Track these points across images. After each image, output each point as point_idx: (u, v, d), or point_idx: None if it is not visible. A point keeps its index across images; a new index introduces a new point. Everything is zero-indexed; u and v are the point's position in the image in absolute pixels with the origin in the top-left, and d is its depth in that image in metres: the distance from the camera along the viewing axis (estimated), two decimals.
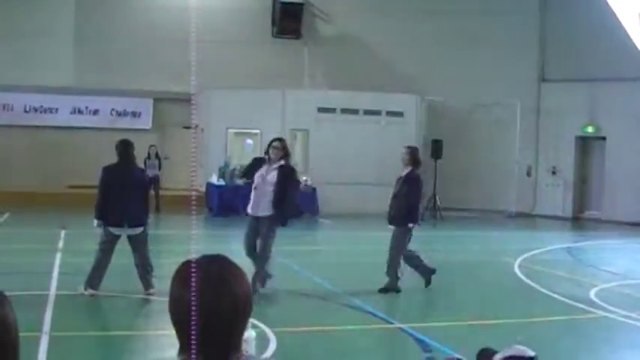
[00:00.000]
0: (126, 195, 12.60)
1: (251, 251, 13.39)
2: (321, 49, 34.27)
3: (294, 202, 14.25)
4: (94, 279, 12.51)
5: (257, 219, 13.45)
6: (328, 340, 11.13)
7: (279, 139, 14.46)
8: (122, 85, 32.49)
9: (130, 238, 12.77)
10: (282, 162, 13.76)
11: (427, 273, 14.31)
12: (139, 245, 12.79)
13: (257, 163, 14.24)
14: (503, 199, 31.66)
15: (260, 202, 13.41)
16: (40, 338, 9.75)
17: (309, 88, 33.36)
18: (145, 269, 12.67)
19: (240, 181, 16.56)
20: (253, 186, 13.68)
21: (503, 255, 19.69)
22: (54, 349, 9.52)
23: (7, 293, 2.81)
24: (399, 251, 13.84)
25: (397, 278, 13.68)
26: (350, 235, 24.51)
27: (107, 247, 12.66)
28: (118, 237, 12.72)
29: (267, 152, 14.07)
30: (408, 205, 13.90)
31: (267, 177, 13.50)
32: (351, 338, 11.30)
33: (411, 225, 13.85)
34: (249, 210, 13.65)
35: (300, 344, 10.83)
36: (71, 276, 14.02)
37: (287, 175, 13.71)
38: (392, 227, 14.04)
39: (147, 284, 12.59)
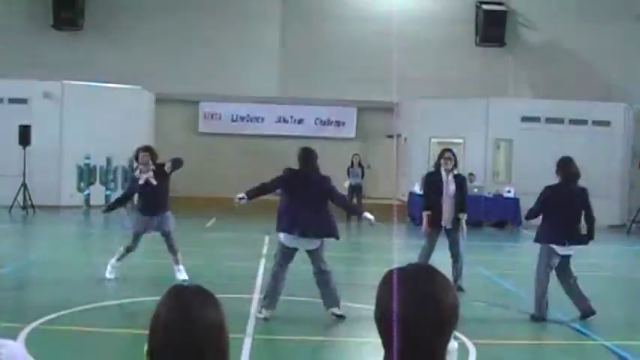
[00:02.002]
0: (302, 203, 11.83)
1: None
2: (525, 56, 33.79)
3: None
4: (269, 299, 11.75)
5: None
6: (528, 355, 10.94)
7: (450, 150, 14.99)
8: (326, 95, 32.98)
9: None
10: (456, 171, 14.52)
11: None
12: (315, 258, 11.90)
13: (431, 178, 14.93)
14: None
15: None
16: (243, 340, 9.99)
17: (513, 96, 32.91)
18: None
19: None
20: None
21: None
22: (257, 352, 9.73)
23: (215, 295, 2.89)
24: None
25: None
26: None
27: (282, 264, 11.90)
28: (293, 250, 11.88)
29: (438, 163, 14.63)
30: None
31: (450, 188, 14.27)
32: (551, 353, 11.06)
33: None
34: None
35: (500, 357, 10.67)
36: None
37: (463, 183, 14.66)
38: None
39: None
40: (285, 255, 11.80)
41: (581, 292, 12.27)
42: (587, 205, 12.26)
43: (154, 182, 14.22)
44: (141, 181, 14.24)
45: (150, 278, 14.86)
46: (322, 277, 11.73)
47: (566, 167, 12.58)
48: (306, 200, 11.75)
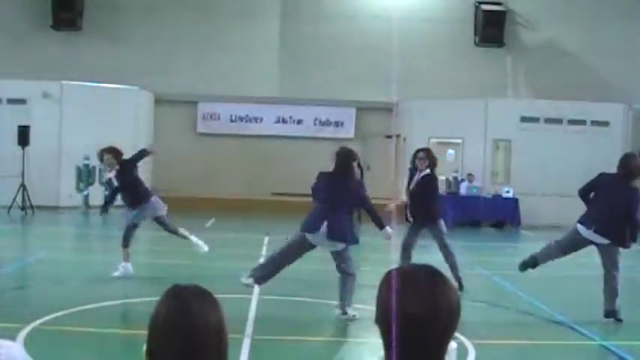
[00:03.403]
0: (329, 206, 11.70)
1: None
2: (525, 57, 33.82)
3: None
4: (260, 271, 11.92)
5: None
6: (527, 355, 10.93)
7: (424, 149, 15.12)
8: (325, 95, 33.00)
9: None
10: (428, 171, 14.50)
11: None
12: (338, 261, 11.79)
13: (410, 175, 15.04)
14: None
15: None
16: (242, 341, 9.99)
17: (512, 97, 32.94)
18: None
19: None
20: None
21: None
22: (255, 352, 9.73)
23: (214, 295, 2.90)
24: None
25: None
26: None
27: (293, 247, 11.84)
28: (309, 244, 11.79)
29: (413, 162, 14.81)
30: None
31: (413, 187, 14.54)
32: (550, 354, 11.05)
33: None
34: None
35: (499, 357, 10.68)
36: (273, 281, 14.31)
37: (426, 183, 14.51)
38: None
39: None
40: (302, 243, 11.77)
41: (611, 291, 12.17)
42: (629, 205, 12.05)
43: (115, 183, 14.99)
44: (104, 180, 15.14)
45: (150, 278, 14.85)
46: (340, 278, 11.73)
47: (624, 162, 12.58)
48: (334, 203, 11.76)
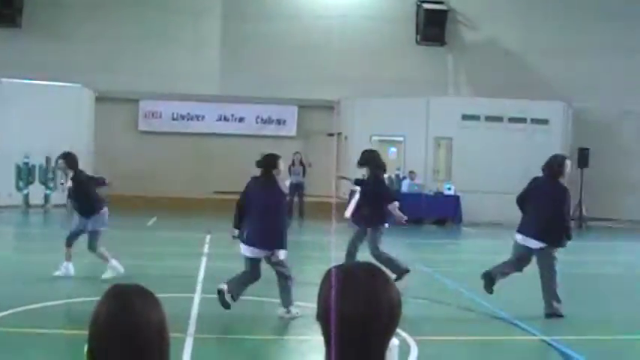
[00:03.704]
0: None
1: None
2: (465, 55, 34.09)
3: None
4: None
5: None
6: (469, 350, 11.01)
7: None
8: (267, 93, 32.98)
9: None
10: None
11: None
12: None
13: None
14: None
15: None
16: (185, 340, 9.96)
17: (453, 95, 33.18)
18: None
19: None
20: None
21: None
22: (198, 351, 9.70)
23: (156, 295, 2.89)
24: None
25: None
26: (493, 244, 24.17)
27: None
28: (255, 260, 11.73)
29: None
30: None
31: None
32: (492, 349, 11.16)
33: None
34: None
35: (441, 353, 10.74)
36: (216, 280, 14.28)
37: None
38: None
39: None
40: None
41: (550, 293, 12.33)
42: (560, 204, 12.20)
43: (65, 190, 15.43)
44: (63, 189, 15.22)
45: (91, 278, 14.71)
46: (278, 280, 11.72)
47: (547, 163, 12.68)
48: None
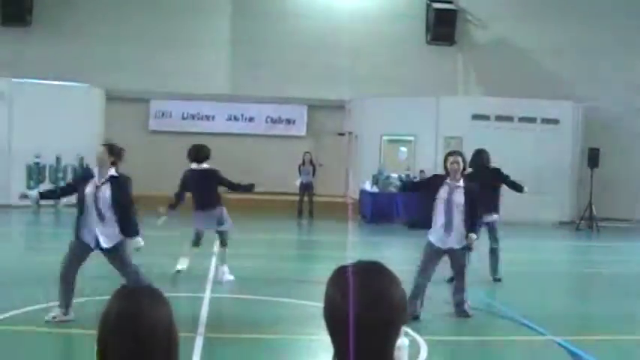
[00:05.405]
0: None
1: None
2: (475, 55, 34.03)
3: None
4: None
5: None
6: (479, 350, 11.00)
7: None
8: (277, 93, 32.97)
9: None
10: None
11: None
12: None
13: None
14: None
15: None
16: (194, 339, 9.96)
17: (463, 94, 33.13)
18: None
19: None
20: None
21: None
22: (208, 350, 9.71)
23: (165, 294, 2.89)
24: None
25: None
26: (502, 244, 24.14)
27: None
28: None
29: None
30: None
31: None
32: (501, 349, 11.14)
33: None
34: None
35: (451, 353, 10.74)
36: (226, 282, 14.35)
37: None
38: None
39: None
40: None
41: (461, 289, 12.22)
42: (472, 201, 11.99)
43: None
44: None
45: (100, 277, 14.71)
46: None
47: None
48: None
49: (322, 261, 17.32)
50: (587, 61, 32.49)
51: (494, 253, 15.69)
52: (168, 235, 17.82)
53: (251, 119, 34.61)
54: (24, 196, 10.49)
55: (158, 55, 32.90)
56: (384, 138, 30.50)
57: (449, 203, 11.82)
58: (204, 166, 15.17)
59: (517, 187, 16.79)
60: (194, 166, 15.15)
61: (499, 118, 29.95)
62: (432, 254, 11.99)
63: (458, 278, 12.10)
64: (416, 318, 11.40)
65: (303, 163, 29.01)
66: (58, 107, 28.94)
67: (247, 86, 33.08)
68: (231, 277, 14.54)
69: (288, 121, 34.71)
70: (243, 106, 34.29)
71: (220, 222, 14.94)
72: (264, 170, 29.78)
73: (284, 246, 21.99)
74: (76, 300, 11.22)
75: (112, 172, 11.41)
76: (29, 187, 28.79)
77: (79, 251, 11.08)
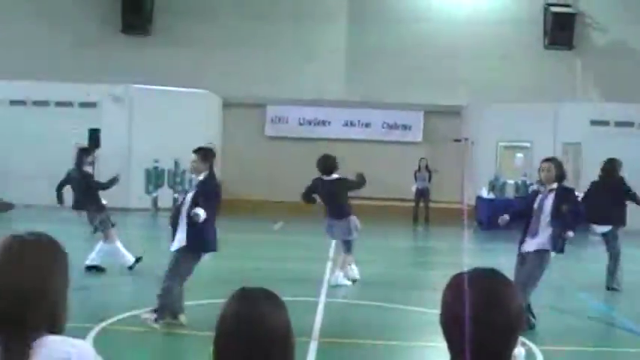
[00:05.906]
0: None
1: None
2: (595, 59, 33.41)
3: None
4: None
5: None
6: None
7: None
8: (393, 98, 32.96)
9: None
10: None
11: None
12: None
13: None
14: None
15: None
16: (309, 344, 10.01)
17: (582, 100, 32.55)
18: None
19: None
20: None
21: None
22: (322, 355, 9.74)
23: (282, 298, 2.91)
24: None
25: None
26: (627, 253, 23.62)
27: None
28: None
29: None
30: None
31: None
32: None
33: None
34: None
35: None
36: (340, 285, 14.39)
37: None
38: None
39: None
40: None
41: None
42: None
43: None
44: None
45: (216, 281, 14.91)
46: None
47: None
48: None
49: (438, 267, 17.24)
50: None
51: (611, 261, 15.44)
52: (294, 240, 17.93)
53: (367, 125, 34.63)
54: (196, 215, 10.57)
55: (274, 60, 33.24)
56: (500, 144, 30.18)
57: (538, 210, 11.63)
58: (334, 176, 15.31)
59: (637, 201, 16.67)
60: (325, 177, 15.33)
61: (619, 124, 29.33)
62: (518, 260, 11.80)
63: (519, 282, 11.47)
64: (532, 327, 11.24)
65: (419, 169, 28.95)
66: (177, 113, 29.51)
67: (363, 91, 33.15)
68: (348, 283, 14.63)
69: (405, 127, 34.64)
70: (359, 111, 34.35)
71: (350, 232, 15.07)
72: (380, 176, 29.76)
73: (399, 252, 21.95)
74: (190, 303, 11.38)
75: (201, 176, 11.13)
76: (148, 192, 29.48)
77: None
